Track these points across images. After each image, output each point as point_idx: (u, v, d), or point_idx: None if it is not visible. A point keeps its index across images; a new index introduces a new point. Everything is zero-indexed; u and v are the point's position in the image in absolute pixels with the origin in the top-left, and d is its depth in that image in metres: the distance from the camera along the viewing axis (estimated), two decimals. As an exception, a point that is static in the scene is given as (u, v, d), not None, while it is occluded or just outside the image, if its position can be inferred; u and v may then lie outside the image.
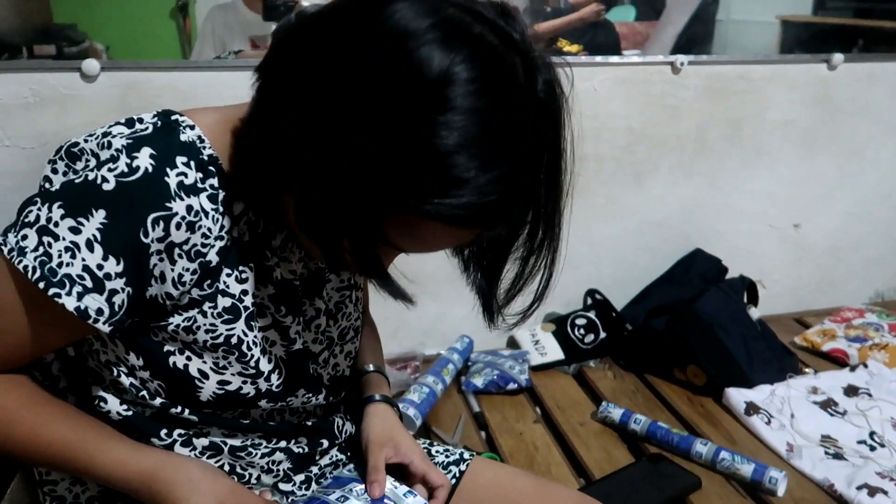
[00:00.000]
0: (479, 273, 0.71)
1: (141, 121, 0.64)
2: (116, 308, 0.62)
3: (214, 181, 0.65)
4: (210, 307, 0.68)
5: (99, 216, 0.60)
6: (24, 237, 0.61)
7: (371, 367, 0.91)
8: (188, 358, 0.69)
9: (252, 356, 0.71)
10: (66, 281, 0.60)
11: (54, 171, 0.64)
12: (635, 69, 1.65)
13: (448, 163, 0.52)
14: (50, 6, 1.43)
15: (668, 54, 1.69)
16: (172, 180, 0.62)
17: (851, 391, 1.46)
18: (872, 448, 1.29)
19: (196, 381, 0.69)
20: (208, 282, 0.67)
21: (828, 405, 1.41)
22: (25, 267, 0.60)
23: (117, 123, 0.64)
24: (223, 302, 0.68)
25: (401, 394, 1.45)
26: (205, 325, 0.68)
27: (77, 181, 0.60)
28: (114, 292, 0.62)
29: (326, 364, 0.82)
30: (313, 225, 0.60)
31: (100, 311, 0.62)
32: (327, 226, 0.59)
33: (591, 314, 1.69)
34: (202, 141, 0.65)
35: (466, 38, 0.54)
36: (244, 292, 0.69)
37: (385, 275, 0.61)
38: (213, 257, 0.66)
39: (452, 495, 0.88)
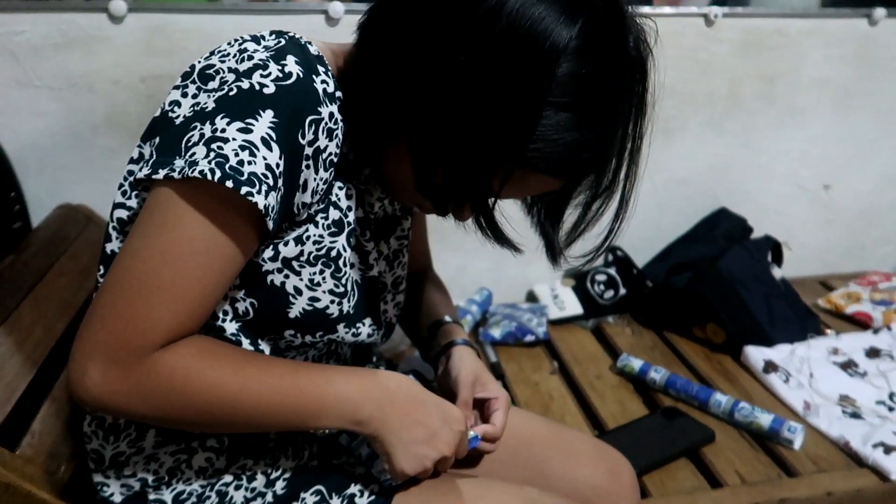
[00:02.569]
0: (541, 216, 0.75)
1: (264, 38, 0.64)
2: (275, 204, 0.62)
3: (340, 94, 0.66)
4: (322, 218, 0.69)
5: (268, 115, 0.59)
6: (193, 153, 0.58)
7: (449, 319, 0.94)
8: (286, 276, 0.69)
9: (345, 273, 0.72)
10: (254, 180, 0.58)
11: (184, 95, 0.63)
12: (666, 21, 1.61)
13: (556, 121, 0.59)
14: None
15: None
16: (319, 86, 0.63)
17: (873, 353, 1.45)
18: (891, 409, 1.29)
19: (290, 297, 0.69)
20: (328, 196, 0.69)
21: (848, 366, 1.41)
22: (202, 172, 0.57)
23: (242, 41, 0.64)
24: (333, 214, 0.70)
25: (419, 342, 1.47)
26: (315, 235, 0.69)
27: (231, 93, 0.59)
28: (278, 191, 0.61)
29: (380, 306, 0.84)
30: (429, 182, 0.64)
31: (273, 209, 0.61)
32: (444, 183, 0.63)
33: (612, 270, 1.68)
34: (323, 57, 0.66)
35: (580, 5, 0.58)
36: (349, 208, 0.71)
37: (497, 225, 0.66)
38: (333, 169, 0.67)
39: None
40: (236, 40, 0.64)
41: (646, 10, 1.69)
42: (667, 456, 1.16)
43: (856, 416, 1.27)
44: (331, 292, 0.71)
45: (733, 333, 1.46)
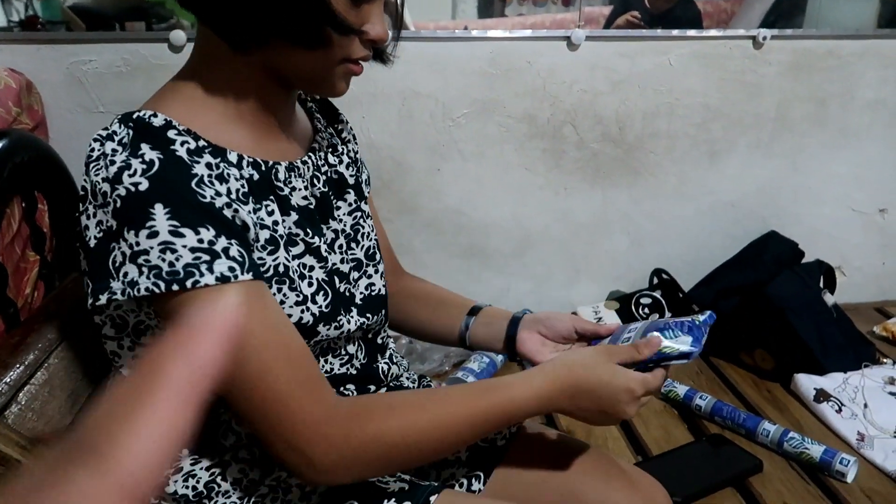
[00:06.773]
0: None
1: (115, 133, 0.67)
2: (240, 258, 0.65)
3: (202, 142, 0.69)
4: (255, 242, 0.71)
5: (159, 210, 0.62)
6: (126, 273, 0.62)
7: (484, 303, 0.97)
8: None
9: (296, 282, 0.75)
10: (192, 270, 0.62)
11: (87, 216, 0.65)
12: (714, 44, 1.60)
13: None
14: (142, -17, 1.51)
15: (752, 29, 1.63)
16: (181, 152, 0.65)
17: (933, 384, 1.39)
18: (952, 443, 1.23)
19: None
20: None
21: (905, 397, 1.35)
22: (148, 289, 0.61)
23: (101, 142, 0.66)
24: (263, 234, 0.72)
25: (461, 363, 1.48)
26: (257, 261, 0.71)
27: (118, 205, 0.62)
28: (227, 250, 0.64)
29: (357, 283, 0.86)
30: (303, 37, 0.68)
31: (232, 269, 0.63)
32: (304, 28, 0.67)
33: (657, 294, 1.66)
34: (170, 121, 0.68)
35: None
36: (275, 222, 0.73)
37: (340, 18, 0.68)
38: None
39: (503, 457, 0.90)
40: (94, 140, 0.66)
41: (692, 33, 1.68)
42: (712, 485, 1.14)
43: (913, 449, 1.22)
44: (296, 304, 0.74)
45: (783, 360, 1.43)
